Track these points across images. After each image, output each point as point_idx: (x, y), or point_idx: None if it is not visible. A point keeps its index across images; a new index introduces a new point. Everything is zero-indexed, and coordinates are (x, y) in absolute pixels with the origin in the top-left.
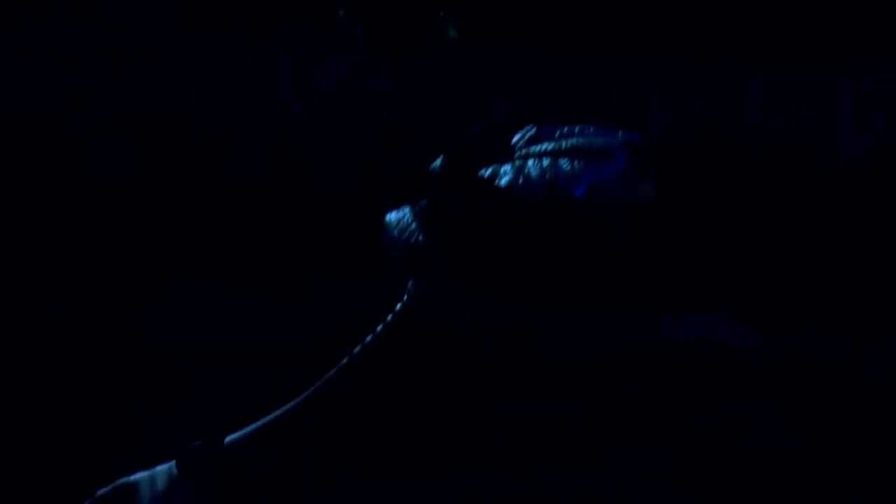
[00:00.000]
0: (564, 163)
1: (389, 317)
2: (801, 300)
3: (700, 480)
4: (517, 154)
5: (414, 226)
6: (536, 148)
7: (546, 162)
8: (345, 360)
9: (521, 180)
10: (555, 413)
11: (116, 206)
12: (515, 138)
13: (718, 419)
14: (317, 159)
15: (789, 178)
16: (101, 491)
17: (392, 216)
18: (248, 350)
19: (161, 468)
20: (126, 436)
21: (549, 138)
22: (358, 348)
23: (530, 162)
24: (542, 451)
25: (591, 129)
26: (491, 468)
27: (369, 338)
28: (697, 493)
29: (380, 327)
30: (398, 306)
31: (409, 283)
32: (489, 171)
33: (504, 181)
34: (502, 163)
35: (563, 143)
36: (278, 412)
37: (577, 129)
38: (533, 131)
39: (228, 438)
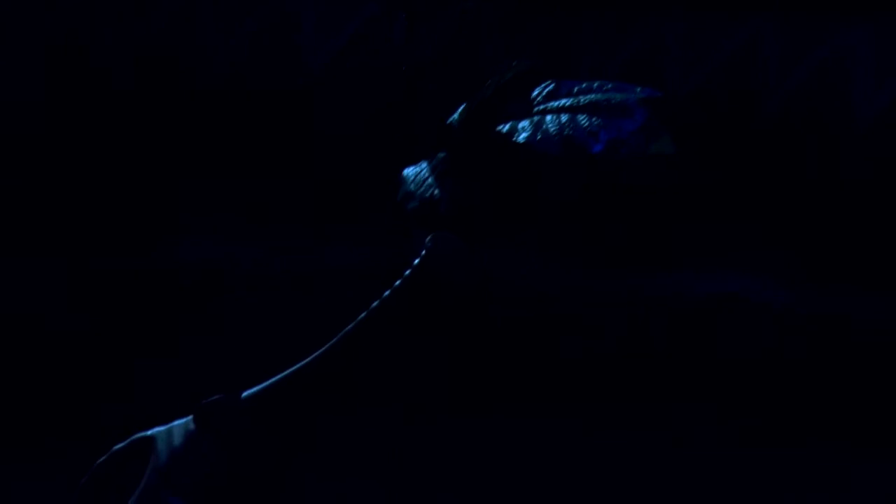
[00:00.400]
0: (582, 119)
1: (407, 272)
2: (828, 257)
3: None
4: (535, 109)
5: (431, 180)
6: (555, 103)
7: (564, 118)
8: (362, 316)
9: (539, 136)
10: (578, 369)
11: (129, 151)
12: (534, 93)
13: (756, 381)
14: (333, 110)
15: (808, 131)
16: (118, 446)
17: (409, 170)
18: (257, 301)
19: (178, 423)
20: (133, 389)
21: (568, 94)
22: (375, 304)
23: (548, 118)
24: (562, 407)
25: (610, 85)
26: (511, 420)
27: (387, 293)
28: (735, 451)
29: (398, 282)
30: (415, 262)
31: (427, 239)
32: (507, 126)
33: (522, 137)
34: (520, 118)
35: (582, 99)
36: (296, 367)
37: (595, 84)
38: (551, 87)
39: (246, 393)
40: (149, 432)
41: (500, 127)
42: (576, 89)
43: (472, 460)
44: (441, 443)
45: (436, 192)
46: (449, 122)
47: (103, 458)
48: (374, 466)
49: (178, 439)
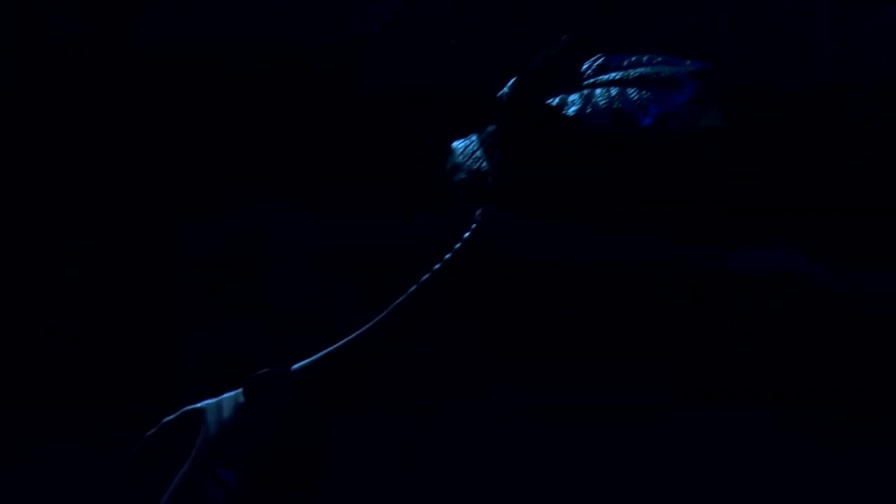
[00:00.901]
0: (632, 92)
1: (457, 245)
2: (861, 233)
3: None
4: (585, 83)
5: (479, 152)
6: (604, 77)
7: (614, 91)
8: (412, 289)
9: (588, 109)
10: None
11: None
12: (583, 67)
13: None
14: (381, 85)
15: (854, 106)
16: (168, 418)
17: (458, 143)
18: (307, 273)
19: (228, 395)
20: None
21: (617, 67)
22: (426, 277)
23: (598, 91)
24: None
25: (659, 59)
26: (558, 390)
27: (437, 266)
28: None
29: (447, 256)
30: (465, 235)
31: (477, 213)
32: (557, 99)
33: (571, 110)
34: (570, 92)
35: (631, 73)
36: (345, 340)
37: (644, 58)
38: (601, 60)
39: (296, 366)
40: (198, 405)
41: (550, 100)
42: (625, 63)
43: (494, 441)
44: (461, 425)
45: (483, 164)
46: (499, 95)
47: (153, 430)
48: (391, 455)
49: (227, 412)
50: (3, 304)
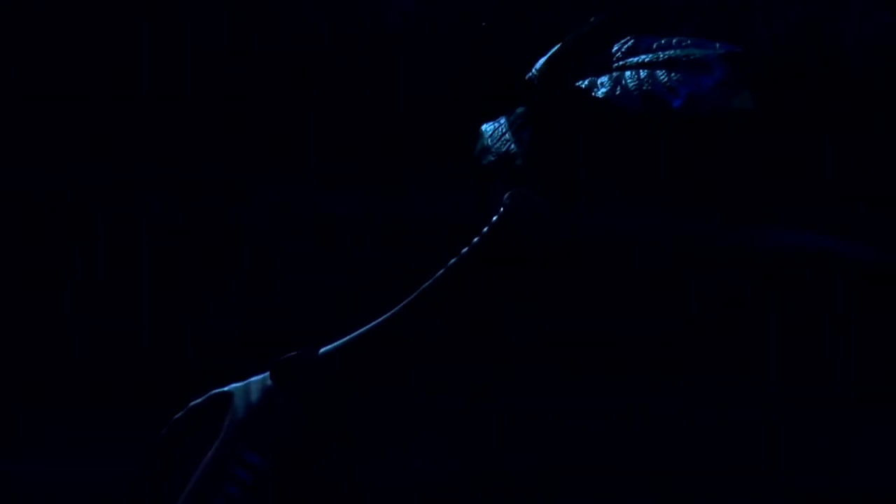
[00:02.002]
0: (661, 74)
1: (485, 228)
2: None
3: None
4: (615, 65)
5: (508, 135)
6: (634, 59)
7: (643, 73)
8: (440, 272)
9: (618, 91)
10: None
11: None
12: (613, 49)
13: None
14: (413, 64)
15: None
16: (195, 402)
17: (487, 126)
18: (342, 252)
19: (255, 379)
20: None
21: (647, 50)
22: (454, 260)
23: (627, 73)
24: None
25: (689, 41)
26: (594, 381)
27: (465, 250)
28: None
29: (476, 239)
30: (493, 219)
31: (505, 196)
32: (586, 81)
33: (601, 92)
34: (599, 74)
35: (661, 55)
36: (372, 324)
37: (674, 40)
38: (631, 42)
39: (323, 349)
40: (226, 388)
41: (580, 82)
42: (655, 45)
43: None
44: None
45: (512, 146)
46: (528, 77)
47: (180, 413)
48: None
49: (254, 395)
50: (5, 305)
